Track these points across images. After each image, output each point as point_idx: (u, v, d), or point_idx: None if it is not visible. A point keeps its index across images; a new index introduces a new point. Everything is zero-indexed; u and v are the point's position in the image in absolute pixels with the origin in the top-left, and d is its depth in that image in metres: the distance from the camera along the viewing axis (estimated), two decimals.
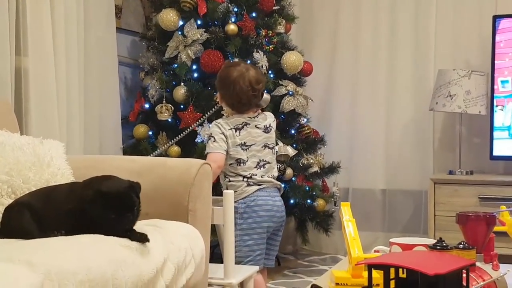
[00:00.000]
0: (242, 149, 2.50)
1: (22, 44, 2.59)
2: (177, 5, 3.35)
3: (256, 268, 2.39)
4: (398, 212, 4.02)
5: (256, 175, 2.50)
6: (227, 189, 2.48)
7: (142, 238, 1.55)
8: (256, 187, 2.49)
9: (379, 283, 0.97)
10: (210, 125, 2.60)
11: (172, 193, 1.94)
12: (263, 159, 2.54)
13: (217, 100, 2.69)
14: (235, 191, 2.43)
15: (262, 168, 2.53)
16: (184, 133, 3.03)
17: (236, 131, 2.50)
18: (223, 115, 2.68)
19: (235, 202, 2.43)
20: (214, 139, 2.47)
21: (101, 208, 1.53)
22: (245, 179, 2.48)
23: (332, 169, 3.66)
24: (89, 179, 1.65)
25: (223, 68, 2.64)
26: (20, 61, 2.60)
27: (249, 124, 2.53)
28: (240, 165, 2.49)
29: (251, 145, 2.50)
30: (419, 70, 3.98)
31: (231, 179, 2.50)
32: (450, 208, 3.42)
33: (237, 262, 2.38)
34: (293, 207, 3.37)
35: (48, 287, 1.24)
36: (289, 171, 3.29)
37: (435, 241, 1.42)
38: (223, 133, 2.49)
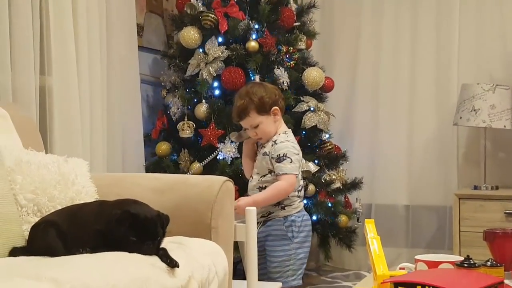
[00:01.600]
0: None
1: (46, 63, 2.63)
2: (198, 23, 3.38)
3: (280, 284, 2.39)
4: (422, 228, 3.99)
5: (303, 188, 2.55)
6: (281, 204, 2.47)
7: (171, 263, 1.55)
8: (302, 203, 2.54)
9: None
10: (281, 145, 2.46)
11: (194, 211, 1.95)
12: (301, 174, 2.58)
13: (256, 127, 2.51)
14: (289, 205, 2.45)
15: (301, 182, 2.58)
16: (213, 154, 3.05)
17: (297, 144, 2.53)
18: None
19: (291, 215, 2.45)
20: (291, 160, 2.43)
21: (125, 228, 1.54)
22: (299, 193, 2.51)
23: (354, 185, 3.64)
24: (120, 200, 1.67)
25: (252, 91, 2.53)
26: (45, 80, 2.65)
27: None
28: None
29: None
30: (442, 84, 3.97)
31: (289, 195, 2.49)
32: (475, 223, 3.40)
33: (290, 275, 2.40)
34: (315, 223, 3.36)
35: None
36: (311, 187, 3.29)
37: (461, 258, 1.41)
38: (299, 153, 2.48)
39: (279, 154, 2.44)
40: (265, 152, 2.50)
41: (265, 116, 2.50)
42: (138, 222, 1.55)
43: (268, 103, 2.49)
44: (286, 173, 2.42)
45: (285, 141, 2.48)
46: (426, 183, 3.97)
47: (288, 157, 2.43)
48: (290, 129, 2.62)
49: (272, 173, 2.47)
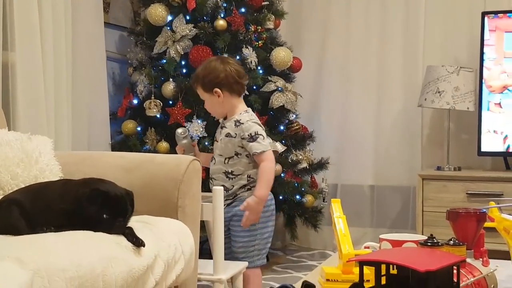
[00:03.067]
0: None
1: (9, 38, 2.57)
2: (166, 0, 3.34)
3: (246, 264, 2.39)
4: (386, 207, 4.03)
5: None
6: (247, 186, 2.42)
7: (137, 242, 1.54)
8: None
9: (369, 279, 0.97)
10: (248, 125, 2.38)
11: (161, 190, 1.93)
12: None
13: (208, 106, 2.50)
14: (254, 186, 2.39)
15: None
16: None
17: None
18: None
19: None
20: (263, 136, 2.37)
21: (96, 206, 1.52)
22: None
23: (321, 165, 3.66)
24: (85, 179, 1.64)
25: (204, 66, 2.48)
26: (8, 56, 2.59)
27: None
28: None
29: None
30: (408, 66, 3.99)
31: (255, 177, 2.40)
32: (438, 203, 3.44)
33: (255, 255, 2.40)
34: (281, 203, 3.37)
35: (38, 284, 1.24)
36: (278, 167, 3.28)
37: (424, 237, 1.43)
38: (263, 129, 2.42)
39: (251, 134, 2.36)
40: (229, 133, 2.40)
41: (209, 95, 2.42)
42: (109, 200, 1.54)
43: (209, 83, 2.40)
44: (263, 151, 2.35)
45: (250, 120, 2.40)
46: (391, 163, 4.01)
47: (260, 134, 2.36)
48: (249, 108, 2.53)
49: (240, 156, 2.41)
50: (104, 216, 1.53)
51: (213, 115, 2.58)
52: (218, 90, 2.40)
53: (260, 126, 2.42)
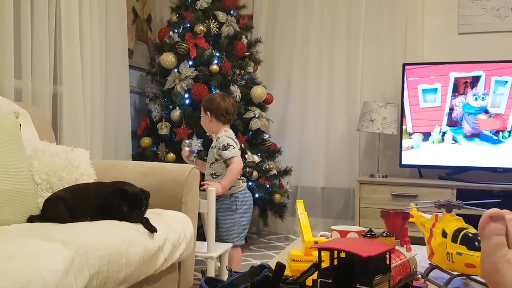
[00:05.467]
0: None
1: (58, 76, 2.55)
2: (174, 50, 3.33)
3: (231, 245, 2.36)
4: (333, 203, 4.04)
5: (244, 174, 2.50)
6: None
7: (151, 229, 1.52)
8: (245, 183, 2.50)
9: (324, 260, 0.96)
10: (223, 139, 2.41)
11: (169, 190, 1.91)
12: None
13: (202, 123, 2.55)
14: (234, 185, 2.40)
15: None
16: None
17: (236, 139, 2.49)
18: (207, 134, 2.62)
19: (236, 193, 2.41)
20: (234, 146, 2.39)
21: (118, 201, 1.49)
22: (241, 177, 2.47)
23: (286, 172, 3.66)
24: (113, 181, 1.62)
25: (210, 95, 2.58)
26: (57, 88, 2.56)
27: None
28: None
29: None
30: (349, 101, 4.01)
31: None
32: (371, 201, 3.46)
33: (235, 237, 2.38)
34: (257, 199, 3.36)
35: (77, 260, 1.21)
36: (255, 173, 3.29)
37: (363, 228, 1.42)
38: (237, 144, 2.44)
39: (224, 145, 2.40)
40: (212, 146, 2.45)
41: (204, 114, 2.49)
42: (127, 196, 1.51)
43: (204, 106, 2.48)
44: (233, 157, 2.38)
45: (225, 136, 2.43)
46: (336, 171, 4.01)
47: (231, 145, 2.39)
48: (231, 130, 2.53)
49: (219, 161, 2.42)
50: (124, 208, 1.50)
51: (205, 130, 2.58)
52: (209, 113, 2.47)
53: (233, 140, 2.43)
